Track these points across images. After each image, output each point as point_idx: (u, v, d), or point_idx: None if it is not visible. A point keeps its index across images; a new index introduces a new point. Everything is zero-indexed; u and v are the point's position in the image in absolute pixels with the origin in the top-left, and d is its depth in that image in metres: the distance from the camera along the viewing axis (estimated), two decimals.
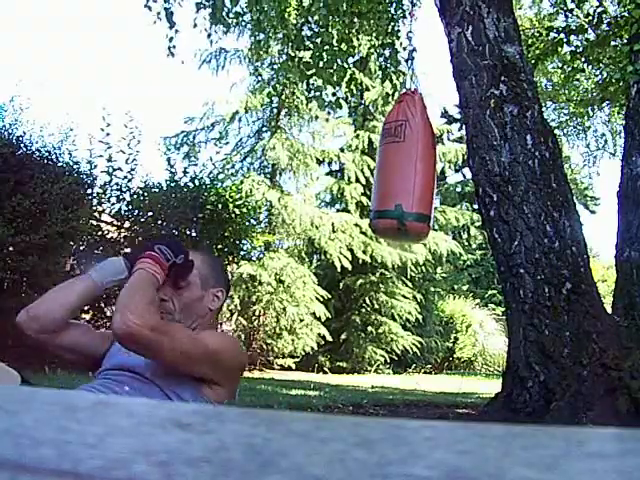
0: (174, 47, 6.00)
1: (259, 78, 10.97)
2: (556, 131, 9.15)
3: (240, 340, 11.34)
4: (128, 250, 1.66)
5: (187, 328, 1.57)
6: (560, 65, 8.40)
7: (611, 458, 0.34)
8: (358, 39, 6.43)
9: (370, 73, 12.61)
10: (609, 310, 3.87)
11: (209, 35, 6.11)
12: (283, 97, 12.52)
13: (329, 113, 10.95)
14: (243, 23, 6.21)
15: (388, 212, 3.50)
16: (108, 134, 7.10)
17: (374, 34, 6.34)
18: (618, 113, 9.59)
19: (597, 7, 5.82)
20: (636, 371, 3.26)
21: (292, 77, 6.75)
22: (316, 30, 6.25)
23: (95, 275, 1.62)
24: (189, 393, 1.52)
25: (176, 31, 5.95)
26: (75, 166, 6.31)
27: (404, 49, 6.13)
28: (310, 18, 6.18)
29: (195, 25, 5.99)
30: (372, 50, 6.54)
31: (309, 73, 6.05)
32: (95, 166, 6.84)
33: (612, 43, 5.36)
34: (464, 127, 4.19)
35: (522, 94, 3.82)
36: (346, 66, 6.29)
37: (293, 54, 6.18)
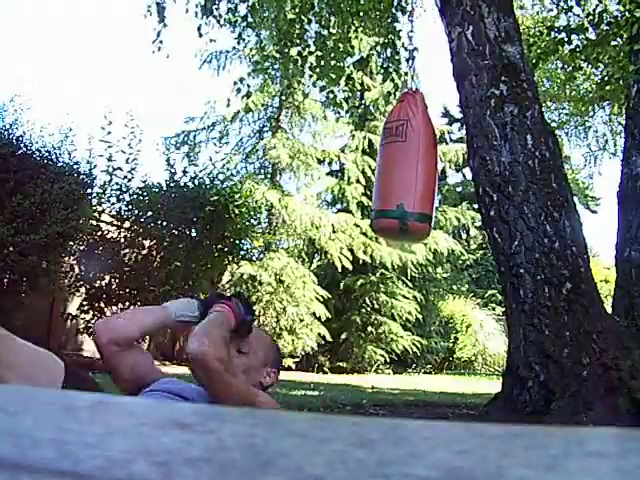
0: (161, 42, 5.91)
1: (260, 78, 10.95)
2: (556, 131, 9.14)
3: None
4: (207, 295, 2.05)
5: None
6: (561, 65, 8.39)
7: (611, 458, 0.34)
8: (357, 37, 6.40)
9: (371, 73, 12.61)
10: (609, 310, 3.86)
11: (199, 28, 6.04)
12: (284, 97, 12.52)
13: (336, 113, 10.93)
14: (235, 19, 6.14)
15: (389, 212, 3.47)
16: (109, 132, 7.10)
17: (374, 34, 6.32)
18: (618, 113, 9.59)
19: (596, 6, 5.82)
20: (636, 371, 3.25)
21: (288, 75, 6.73)
22: (314, 30, 6.23)
23: (171, 307, 1.79)
24: None
25: (164, 25, 5.87)
26: (75, 166, 6.31)
27: (405, 49, 6.12)
28: (303, 16, 6.15)
29: (187, 11, 5.93)
30: (372, 50, 6.52)
31: (302, 69, 6.04)
32: (95, 166, 6.84)
33: (612, 42, 5.35)
34: (464, 127, 4.19)
35: (522, 94, 3.82)
36: (344, 66, 6.27)
37: (285, 51, 6.16)
